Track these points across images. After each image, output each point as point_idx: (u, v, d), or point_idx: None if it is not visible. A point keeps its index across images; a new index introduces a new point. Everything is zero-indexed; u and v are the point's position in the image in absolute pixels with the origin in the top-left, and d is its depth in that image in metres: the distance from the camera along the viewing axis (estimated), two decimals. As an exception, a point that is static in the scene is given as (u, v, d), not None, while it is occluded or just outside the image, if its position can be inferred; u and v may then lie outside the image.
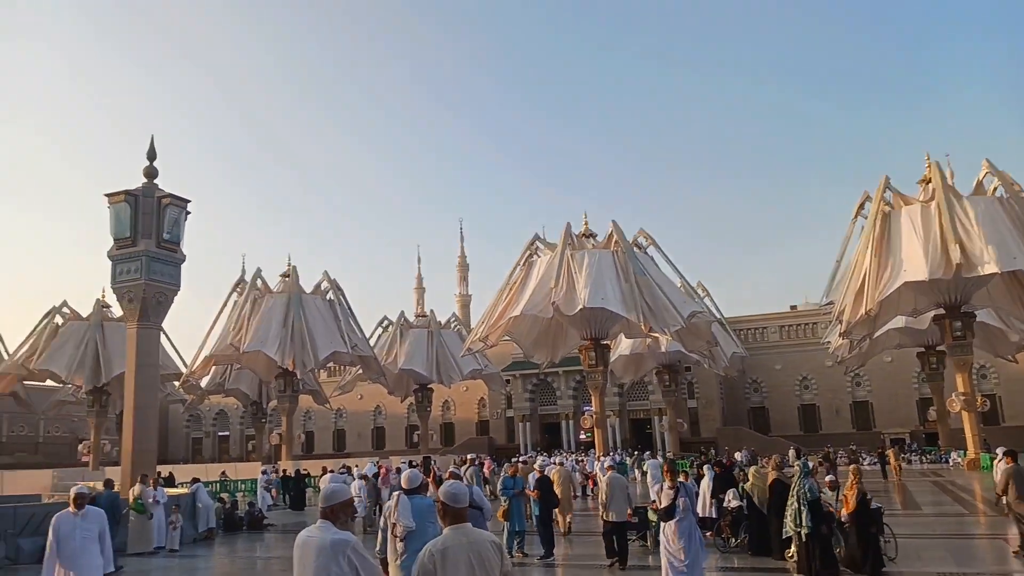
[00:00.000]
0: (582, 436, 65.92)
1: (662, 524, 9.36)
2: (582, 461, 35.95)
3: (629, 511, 13.61)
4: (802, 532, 10.80)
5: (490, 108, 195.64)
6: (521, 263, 45.72)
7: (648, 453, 42.27)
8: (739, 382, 68.87)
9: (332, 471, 24.77)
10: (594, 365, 44.88)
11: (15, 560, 15.73)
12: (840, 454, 44.01)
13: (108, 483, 17.39)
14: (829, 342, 55.06)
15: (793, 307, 74.37)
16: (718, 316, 56.29)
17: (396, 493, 6.75)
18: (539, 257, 45.60)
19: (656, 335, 45.04)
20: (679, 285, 47.76)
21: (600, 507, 13.92)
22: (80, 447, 59.27)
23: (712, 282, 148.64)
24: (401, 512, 6.39)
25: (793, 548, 12.27)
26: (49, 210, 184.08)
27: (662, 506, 9.40)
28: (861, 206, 40.81)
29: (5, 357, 57.69)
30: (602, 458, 29.34)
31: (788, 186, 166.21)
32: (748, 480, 14.06)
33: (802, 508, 10.82)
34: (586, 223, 48.62)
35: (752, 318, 72.23)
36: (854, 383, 66.44)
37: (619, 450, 53.55)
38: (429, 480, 7.56)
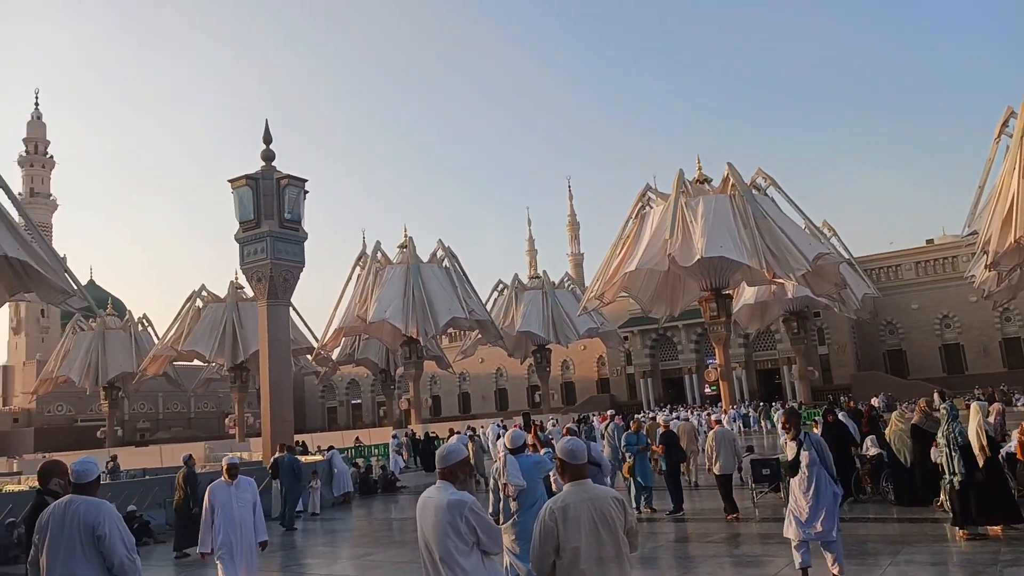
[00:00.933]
0: (707, 390, 64.69)
1: (790, 481, 8.74)
2: (710, 415, 35.19)
3: (738, 463, 14.01)
4: (955, 480, 9.99)
5: (591, 59, 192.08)
6: (633, 215, 44.56)
7: (777, 403, 40.92)
8: (872, 325, 65.34)
9: (458, 432, 25.30)
10: (716, 316, 43.55)
11: (173, 525, 16.93)
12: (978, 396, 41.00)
13: (289, 448, 18.89)
14: (973, 276, 50.86)
15: (929, 241, 69.60)
16: (846, 256, 53.26)
17: (502, 453, 6.69)
18: (652, 208, 44.31)
19: (781, 281, 43.18)
20: (803, 226, 45.36)
21: (707, 461, 14.08)
22: (227, 420, 63.65)
23: (838, 220, 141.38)
24: (510, 472, 6.33)
25: (943, 497, 11.45)
26: (181, 198, 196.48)
27: (787, 460, 8.70)
28: (1005, 123, 37.03)
29: (156, 341, 62.45)
30: (709, 412, 28.59)
31: (917, 112, 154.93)
32: (888, 426, 13.24)
33: (953, 453, 10.00)
34: (699, 168, 46.68)
35: (884, 256, 68.16)
36: (1003, 318, 61.73)
37: (746, 402, 52.16)
38: (531, 436, 7.49)
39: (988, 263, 36.12)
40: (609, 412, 30.93)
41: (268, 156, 25.63)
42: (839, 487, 8.29)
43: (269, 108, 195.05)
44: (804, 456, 8.21)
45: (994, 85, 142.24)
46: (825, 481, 8.14)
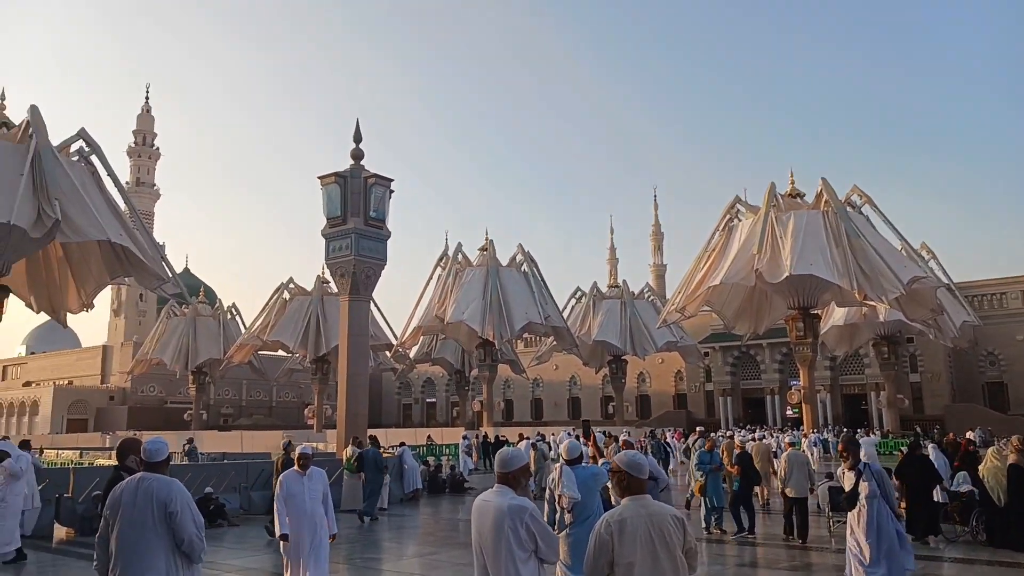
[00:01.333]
0: (788, 412, 62.61)
1: (848, 516, 7.98)
2: (783, 437, 33.99)
3: (810, 487, 13.54)
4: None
5: (683, 70, 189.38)
6: (720, 228, 43.40)
7: (862, 430, 39.18)
8: (971, 354, 61.85)
9: (527, 438, 25.26)
10: (802, 336, 42.01)
11: (247, 510, 17.49)
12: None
13: (373, 440, 19.60)
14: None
15: (1039, 269, 65.38)
16: (945, 281, 50.63)
17: (558, 464, 6.59)
18: (740, 221, 43.05)
19: (872, 303, 41.34)
20: (899, 247, 43.33)
21: (779, 483, 14.11)
22: (306, 411, 65.47)
23: (938, 243, 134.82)
24: (566, 483, 6.21)
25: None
26: (274, 193, 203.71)
27: (846, 491, 8.03)
28: None
29: (243, 330, 64.82)
30: (782, 435, 27.53)
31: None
32: (983, 463, 12.44)
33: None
34: (792, 182, 45.15)
35: (987, 283, 64.49)
36: (1119, 355, 57.47)
37: (828, 427, 50.23)
38: (590, 445, 7.31)
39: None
40: (699, 429, 30.20)
41: (357, 155, 26.18)
42: (901, 524, 7.67)
43: (359, 110, 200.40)
44: (863, 487, 7.62)
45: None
46: (887, 516, 7.53)
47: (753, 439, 20.76)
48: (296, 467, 8.08)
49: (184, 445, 25.74)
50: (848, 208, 41.63)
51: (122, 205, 30.53)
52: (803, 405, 43.75)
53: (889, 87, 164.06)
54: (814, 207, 41.63)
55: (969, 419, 49.53)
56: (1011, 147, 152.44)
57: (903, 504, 13.23)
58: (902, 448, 15.57)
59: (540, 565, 4.57)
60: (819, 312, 44.62)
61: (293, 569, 7.73)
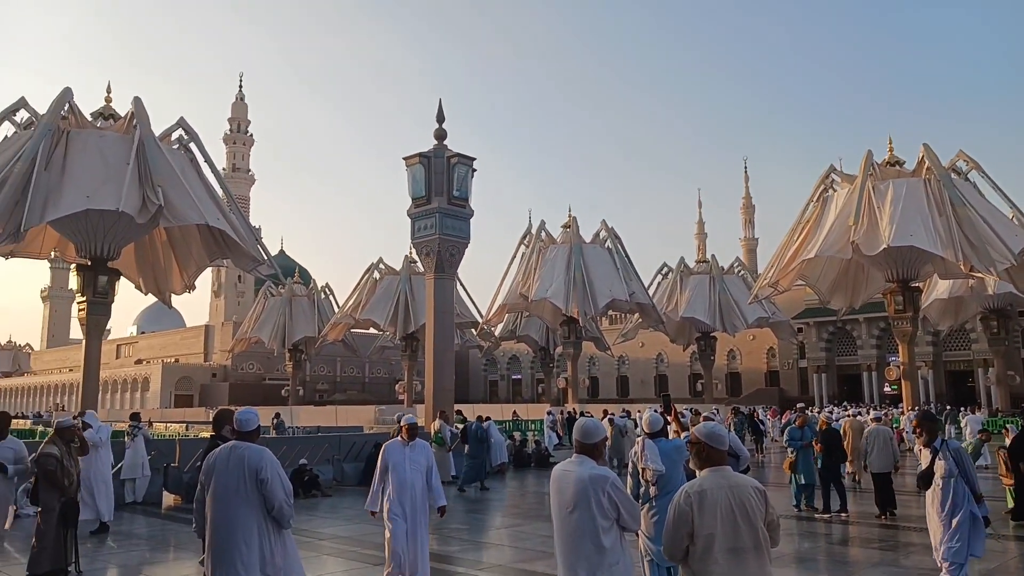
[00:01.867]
0: (886, 389, 60.19)
1: (925, 495, 7.53)
2: (889, 415, 32.63)
3: (895, 464, 13.68)
4: None
5: (773, 37, 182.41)
6: (815, 199, 41.67)
7: (966, 409, 37.27)
8: (1091, 329, 57.78)
9: (613, 414, 25.21)
10: (901, 311, 40.11)
11: (340, 481, 18.14)
12: None
13: (478, 418, 20.14)
14: None
15: None
16: (1062, 250, 47.27)
17: (640, 438, 6.52)
18: (835, 191, 41.23)
19: (979, 275, 39.05)
20: (1010, 215, 40.67)
21: (862, 458, 14.73)
22: (397, 387, 67.11)
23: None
24: (649, 456, 6.16)
25: None
26: (364, 175, 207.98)
27: (922, 468, 7.56)
28: None
29: (336, 309, 66.87)
30: (873, 411, 26.53)
31: None
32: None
33: None
34: (891, 149, 42.89)
35: (1111, 252, 59.89)
36: None
37: (930, 404, 48.03)
38: (672, 419, 7.12)
39: None
40: (798, 406, 29.36)
41: (440, 135, 26.45)
42: (983, 507, 7.15)
43: (441, 90, 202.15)
44: (939, 466, 7.20)
45: None
46: (963, 496, 7.08)
47: (848, 416, 20.12)
48: (403, 435, 7.76)
49: (273, 420, 26.81)
50: (953, 175, 39.34)
51: (219, 190, 31.91)
52: (902, 382, 41.93)
53: (994, 40, 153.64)
54: (915, 175, 39.52)
55: (1089, 397, 46.35)
56: None
57: (1010, 482, 12.57)
58: (1007, 426, 14.83)
59: (621, 534, 4.56)
60: (920, 285, 42.50)
61: (397, 539, 7.43)
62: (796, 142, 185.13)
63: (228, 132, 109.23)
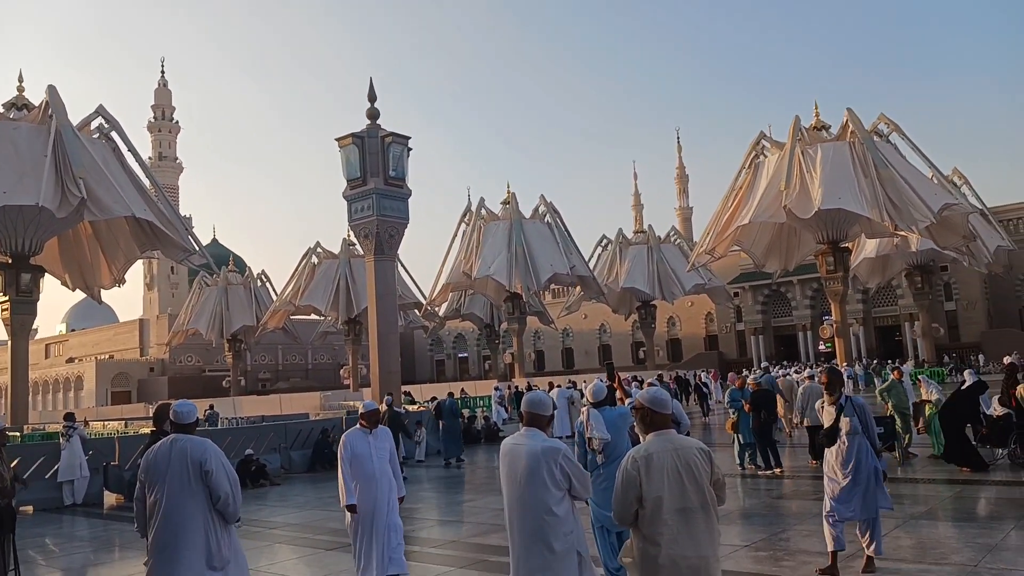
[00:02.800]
0: (821, 347, 62.32)
1: (825, 450, 7.29)
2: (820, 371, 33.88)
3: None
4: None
5: (701, 5, 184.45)
6: (746, 165, 42.58)
7: (893, 362, 38.88)
8: (1007, 279, 60.76)
9: (559, 386, 25.48)
10: (832, 271, 41.48)
11: (288, 469, 17.95)
12: None
13: (450, 395, 21.09)
14: None
15: (1077, 189, 63.69)
16: (978, 206, 49.48)
17: (585, 407, 6.59)
18: (766, 157, 42.20)
19: (903, 233, 40.58)
20: (930, 175, 42.27)
21: (797, 414, 15.64)
22: (341, 372, 66.56)
23: (971, 167, 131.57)
24: (594, 425, 6.23)
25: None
26: (295, 158, 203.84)
27: (825, 427, 7.26)
28: None
29: (274, 296, 65.72)
30: (798, 370, 27.81)
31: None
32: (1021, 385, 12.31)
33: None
34: (817, 114, 44.05)
35: (1023, 206, 62.94)
36: None
37: (862, 360, 49.91)
38: (616, 386, 7.15)
39: None
40: (764, 365, 30.09)
41: (373, 114, 26.00)
42: (881, 461, 7.22)
43: (373, 69, 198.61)
44: (844, 423, 7.05)
45: None
46: (866, 453, 7.02)
47: (782, 375, 20.97)
48: (360, 424, 7.19)
49: (205, 411, 26.20)
50: (875, 137, 40.66)
51: (145, 180, 30.84)
52: (836, 339, 43.46)
53: (911, 6, 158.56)
54: (840, 139, 40.69)
55: (1006, 344, 48.92)
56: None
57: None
58: (945, 379, 15.74)
59: (573, 503, 4.62)
60: (849, 245, 43.98)
61: (366, 539, 6.85)
62: (727, 110, 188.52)
63: (152, 120, 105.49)
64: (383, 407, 19.43)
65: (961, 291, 61.25)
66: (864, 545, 7.04)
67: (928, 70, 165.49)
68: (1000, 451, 12.86)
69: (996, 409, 13.01)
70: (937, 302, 59.31)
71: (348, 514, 6.95)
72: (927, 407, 13.93)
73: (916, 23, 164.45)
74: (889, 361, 41.32)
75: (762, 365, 46.56)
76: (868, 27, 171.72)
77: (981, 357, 50.83)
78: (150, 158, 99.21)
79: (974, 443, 12.69)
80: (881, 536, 7.10)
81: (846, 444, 7.04)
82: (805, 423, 14.34)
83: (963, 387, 13.33)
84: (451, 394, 22.08)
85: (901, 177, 37.85)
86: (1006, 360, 17.17)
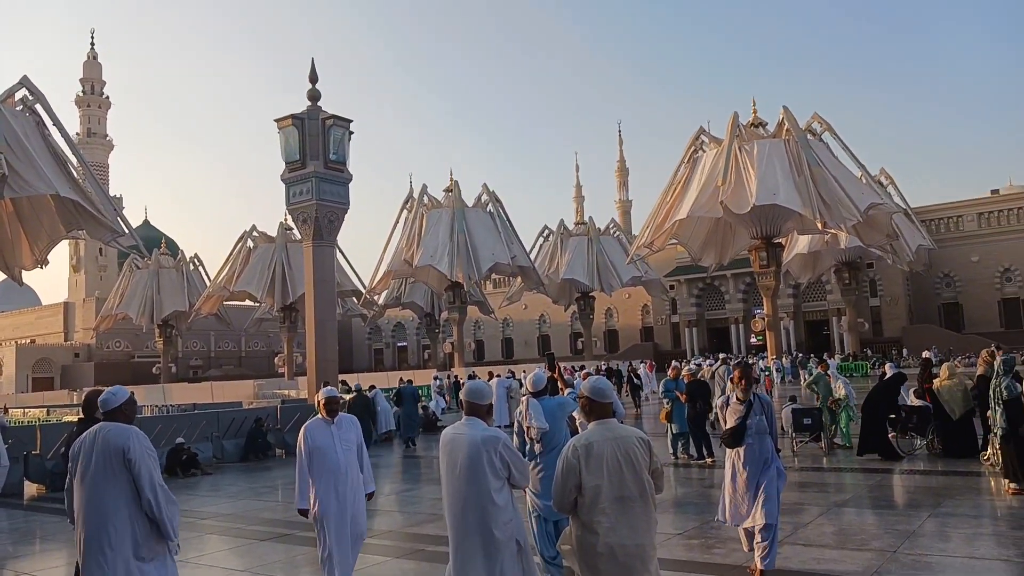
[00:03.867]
0: (753, 340, 64.03)
1: (727, 451, 6.75)
2: (753, 364, 34.84)
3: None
4: (997, 434, 9.87)
5: (644, 1, 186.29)
6: (685, 160, 43.31)
7: (820, 356, 40.25)
8: (927, 277, 63.47)
9: (499, 376, 25.56)
10: (765, 266, 42.63)
11: (221, 459, 17.57)
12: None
13: (409, 381, 22.50)
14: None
15: (994, 191, 66.81)
16: (902, 206, 51.47)
17: (524, 396, 6.63)
18: (704, 152, 42.99)
19: (833, 231, 41.93)
20: (858, 175, 43.75)
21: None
22: (276, 360, 65.38)
23: (898, 169, 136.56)
24: (533, 414, 6.28)
25: (990, 450, 11.26)
26: (234, 139, 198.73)
27: (727, 426, 6.67)
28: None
29: (207, 280, 64.05)
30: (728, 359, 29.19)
31: (988, 55, 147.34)
32: (939, 379, 12.92)
33: (997, 408, 9.81)
34: (754, 112, 45.07)
35: (944, 206, 65.78)
36: (1069, 273, 59.33)
37: (791, 353, 51.51)
38: (555, 377, 7.20)
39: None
40: (722, 355, 30.78)
41: (314, 96, 25.55)
42: (777, 460, 6.60)
43: (317, 51, 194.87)
44: (752, 423, 6.46)
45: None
46: (772, 455, 6.54)
47: (708, 365, 22.15)
48: (322, 414, 6.38)
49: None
50: (809, 136, 41.80)
51: (71, 157, 29.57)
52: (767, 333, 44.69)
53: (847, 17, 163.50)
54: (776, 136, 41.72)
55: (926, 339, 51.17)
56: (967, 76, 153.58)
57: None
58: (871, 372, 16.44)
59: (511, 492, 4.66)
60: (782, 241, 45.19)
61: (333, 545, 6.05)
62: (668, 107, 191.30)
63: (81, 94, 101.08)
64: (345, 396, 19.26)
65: (885, 288, 63.65)
66: (758, 556, 6.41)
67: (863, 75, 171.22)
68: (919, 441, 13.45)
69: (912, 400, 13.63)
70: (863, 298, 61.51)
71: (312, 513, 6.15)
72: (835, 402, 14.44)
73: (851, 28, 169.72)
74: (812, 355, 42.70)
75: (696, 361, 47.70)
76: (807, 30, 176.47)
77: (905, 351, 52.97)
78: (78, 134, 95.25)
79: (893, 434, 13.23)
80: (776, 551, 6.54)
81: (756, 444, 6.48)
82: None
83: (884, 379, 13.92)
84: (410, 381, 24.08)
85: (831, 175, 39.06)
86: (925, 354, 17.95)
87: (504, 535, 4.47)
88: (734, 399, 6.70)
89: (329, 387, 6.69)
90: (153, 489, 4.84)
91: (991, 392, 10.04)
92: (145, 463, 4.90)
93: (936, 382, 12.95)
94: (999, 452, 10.15)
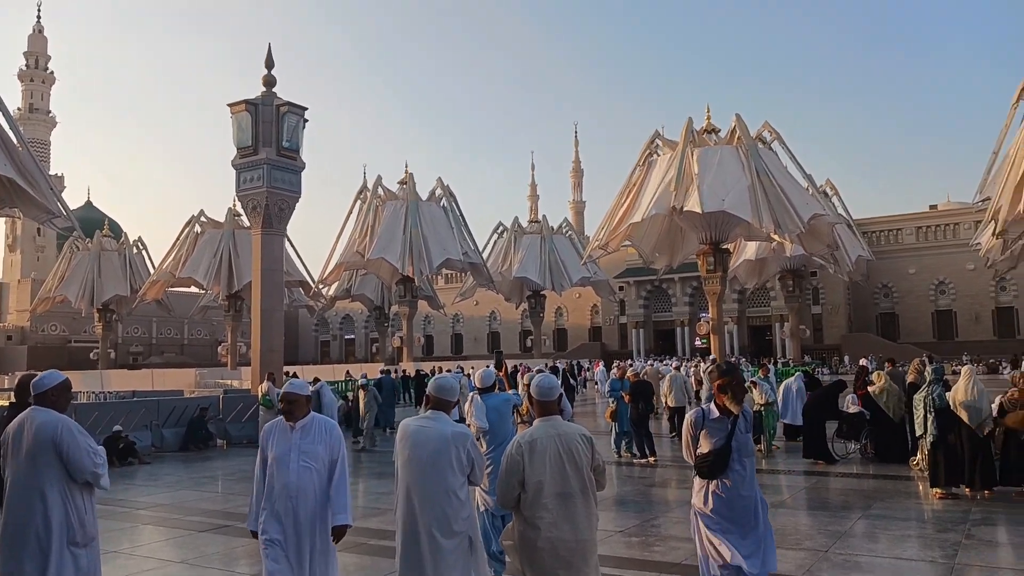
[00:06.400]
0: (697, 343, 65.10)
1: (695, 482, 4.94)
2: (696, 368, 35.50)
3: (688, 400, 17.70)
4: (928, 440, 10.27)
5: (605, 3, 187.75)
6: (640, 163, 43.75)
7: (759, 360, 41.13)
8: (867, 287, 65.45)
9: (449, 371, 25.54)
10: (712, 271, 43.22)
11: (160, 447, 17.20)
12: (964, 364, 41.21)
13: (385, 372, 23.68)
14: (979, 243, 50.45)
15: (933, 207, 69.19)
16: (845, 217, 52.91)
17: (472, 393, 6.66)
18: (659, 156, 43.50)
19: (778, 239, 42.82)
20: (805, 184, 44.77)
21: (663, 397, 18.21)
22: (219, 348, 63.86)
23: (843, 181, 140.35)
24: (476, 413, 6.32)
25: (919, 456, 11.66)
26: (183, 122, 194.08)
27: (702, 451, 4.86)
28: (1024, 90, 35.97)
29: (150, 265, 62.36)
30: (670, 362, 30.08)
31: (933, 76, 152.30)
32: (876, 385, 13.34)
33: (928, 415, 10.19)
34: (708, 117, 45.70)
35: (885, 219, 67.89)
36: (998, 287, 61.78)
37: (735, 356, 52.55)
38: (503, 376, 7.25)
39: (996, 231, 35.57)
40: (695, 358, 31.29)
41: (269, 81, 25.11)
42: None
43: (274, 37, 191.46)
44: (737, 442, 4.78)
45: (1015, 49, 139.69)
46: (756, 482, 4.96)
47: (649, 365, 23.38)
48: (284, 416, 4.96)
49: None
50: (759, 144, 42.57)
51: (9, 132, 28.48)
52: (711, 336, 45.44)
53: (801, 29, 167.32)
54: (728, 143, 42.41)
55: (863, 347, 52.76)
56: (912, 93, 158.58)
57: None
58: (805, 376, 17.11)
59: (469, 487, 4.72)
60: (729, 247, 45.96)
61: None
62: (624, 110, 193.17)
63: (24, 68, 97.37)
64: (314, 389, 18.86)
65: (827, 296, 65.39)
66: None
67: (815, 87, 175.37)
68: (852, 445, 13.89)
69: (850, 407, 14.07)
70: (805, 305, 63.08)
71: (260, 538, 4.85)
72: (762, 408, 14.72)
73: (805, 41, 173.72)
74: (743, 359, 43.63)
75: (647, 362, 48.22)
76: (762, 39, 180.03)
77: (846, 358, 54.49)
78: (19, 109, 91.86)
79: (831, 438, 13.64)
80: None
81: (742, 471, 4.79)
82: (670, 403, 17.24)
83: (825, 386, 14.36)
84: (389, 371, 25.83)
85: (778, 185, 39.86)
86: (862, 362, 18.52)
87: (461, 529, 4.50)
88: (714, 413, 4.84)
89: (297, 381, 5.24)
90: (85, 465, 4.82)
91: (922, 400, 10.40)
92: (78, 445, 4.82)
93: (870, 388, 13.38)
94: (928, 457, 10.56)
